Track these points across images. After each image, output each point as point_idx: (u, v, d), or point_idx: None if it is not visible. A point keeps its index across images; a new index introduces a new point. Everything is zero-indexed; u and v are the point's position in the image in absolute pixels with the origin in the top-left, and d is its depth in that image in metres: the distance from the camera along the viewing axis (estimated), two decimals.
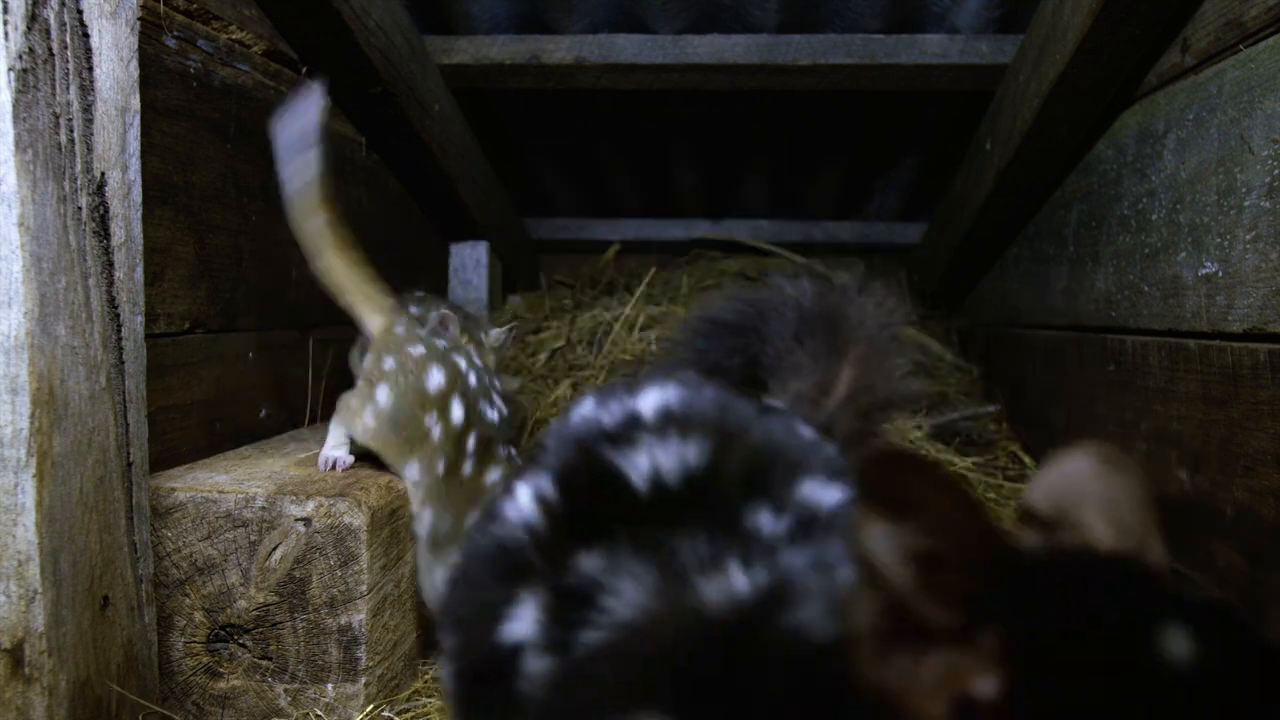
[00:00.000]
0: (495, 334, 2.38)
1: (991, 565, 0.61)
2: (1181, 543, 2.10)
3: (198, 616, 1.57)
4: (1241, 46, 1.89)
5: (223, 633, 1.58)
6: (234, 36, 2.20)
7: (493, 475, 1.85)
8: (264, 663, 1.58)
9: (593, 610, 0.76)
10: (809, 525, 0.82)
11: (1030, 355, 3.03)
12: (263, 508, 1.57)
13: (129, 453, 1.42)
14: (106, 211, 1.36)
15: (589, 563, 0.80)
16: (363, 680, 1.58)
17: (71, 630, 1.30)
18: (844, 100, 3.37)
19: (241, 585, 1.57)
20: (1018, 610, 0.60)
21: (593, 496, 0.87)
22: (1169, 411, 2.14)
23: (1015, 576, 0.62)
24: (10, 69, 1.20)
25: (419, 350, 1.89)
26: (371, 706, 1.60)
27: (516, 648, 0.81)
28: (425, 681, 1.82)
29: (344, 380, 2.78)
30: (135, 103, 1.43)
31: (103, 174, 1.35)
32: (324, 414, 2.64)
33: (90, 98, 1.33)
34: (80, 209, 1.31)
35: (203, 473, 1.72)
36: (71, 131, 1.30)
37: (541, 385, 3.31)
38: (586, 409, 0.99)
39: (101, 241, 1.35)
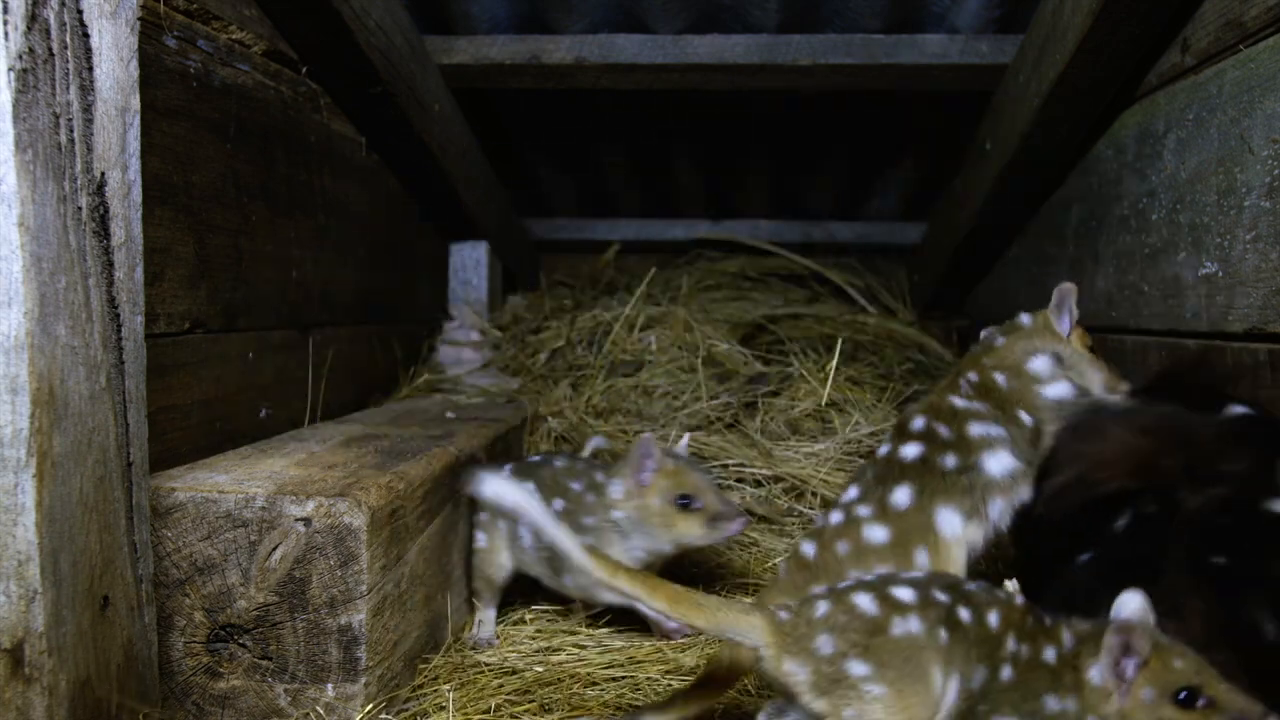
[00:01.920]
0: None
1: None
2: None
3: (198, 616, 1.57)
4: (1241, 46, 1.89)
5: (223, 633, 1.58)
6: (234, 36, 2.20)
7: None
8: (264, 663, 1.58)
9: None
10: None
11: None
12: (263, 508, 1.57)
13: (129, 453, 1.42)
14: (106, 211, 1.36)
15: None
16: (363, 680, 1.58)
17: (71, 630, 1.30)
18: (844, 100, 3.37)
19: (241, 585, 1.57)
20: None
21: None
22: None
23: None
24: (10, 69, 1.20)
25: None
26: (371, 706, 1.60)
27: None
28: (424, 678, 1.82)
29: (344, 380, 2.78)
30: (135, 103, 1.43)
31: (103, 174, 1.35)
32: (324, 414, 2.64)
33: (90, 98, 1.33)
34: (80, 209, 1.31)
35: (203, 473, 1.71)
36: (71, 131, 1.30)
37: (541, 385, 3.31)
38: None
39: (101, 241, 1.35)
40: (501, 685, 1.80)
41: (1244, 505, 1.53)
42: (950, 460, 1.72)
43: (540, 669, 1.87)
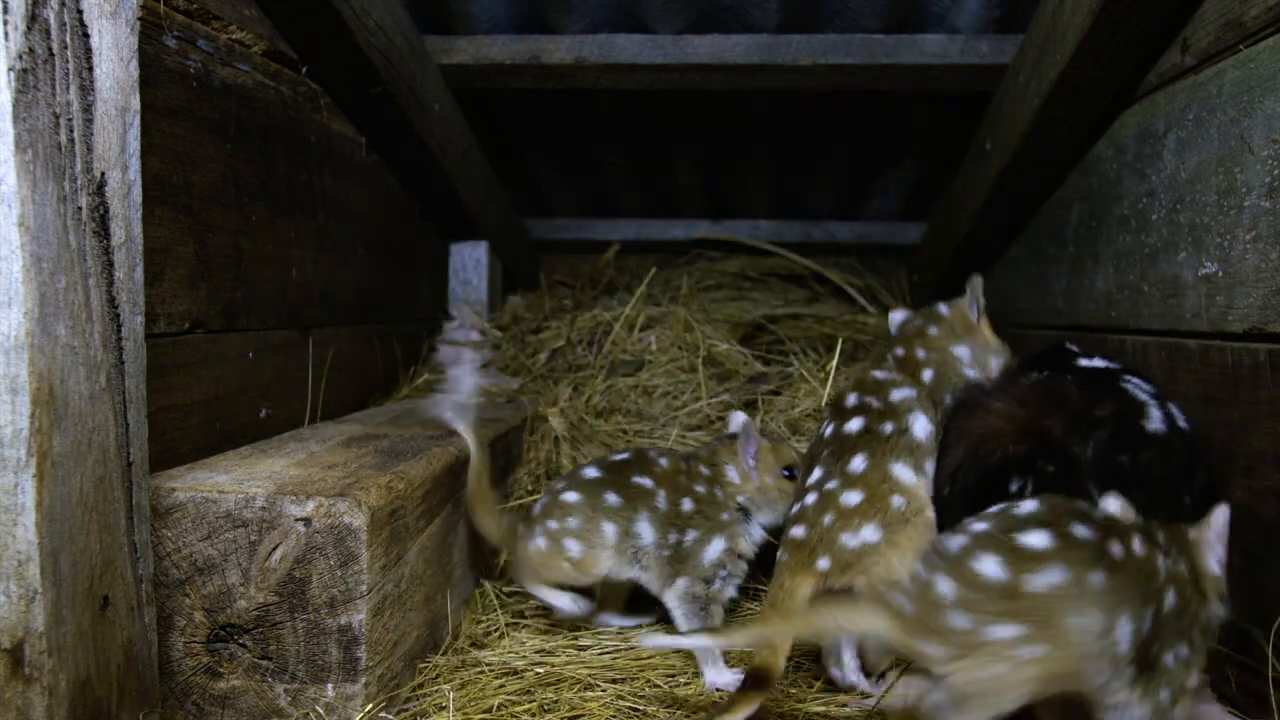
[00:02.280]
0: None
1: None
2: None
3: (198, 616, 1.57)
4: (1241, 46, 1.89)
5: (223, 633, 1.58)
6: (234, 36, 2.20)
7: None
8: (264, 663, 1.58)
9: None
10: None
11: None
12: (263, 508, 1.57)
13: (129, 453, 1.42)
14: (106, 211, 1.36)
15: None
16: (363, 680, 1.58)
17: (71, 630, 1.30)
18: (844, 100, 3.37)
19: (241, 585, 1.57)
20: None
21: None
22: None
23: None
24: (10, 69, 1.20)
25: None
26: (371, 706, 1.60)
27: None
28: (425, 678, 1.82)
29: (344, 380, 2.78)
30: (135, 103, 1.43)
31: (103, 174, 1.35)
32: (324, 414, 2.64)
33: (90, 98, 1.33)
34: (80, 209, 1.31)
35: (203, 473, 1.72)
36: (71, 131, 1.30)
37: (541, 385, 3.30)
38: None
39: (101, 241, 1.35)
40: (502, 685, 1.80)
41: (1130, 434, 1.71)
42: (889, 426, 1.89)
43: (541, 670, 1.87)
